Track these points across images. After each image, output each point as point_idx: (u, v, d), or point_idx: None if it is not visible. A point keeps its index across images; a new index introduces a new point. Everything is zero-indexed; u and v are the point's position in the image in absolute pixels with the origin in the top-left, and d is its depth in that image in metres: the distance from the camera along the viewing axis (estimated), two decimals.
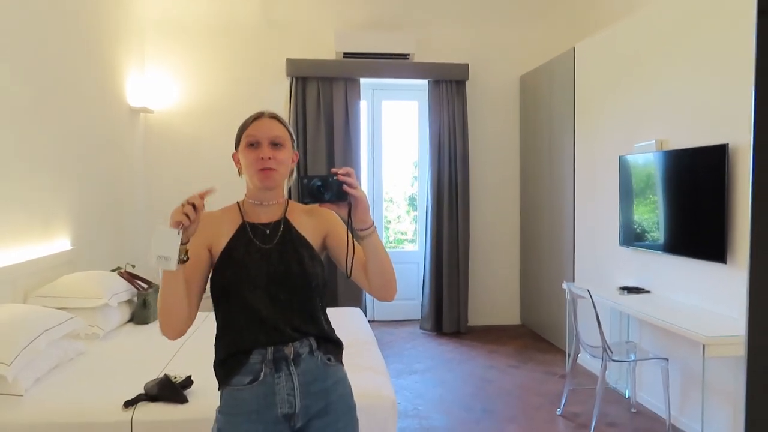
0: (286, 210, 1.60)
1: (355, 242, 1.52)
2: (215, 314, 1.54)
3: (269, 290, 1.48)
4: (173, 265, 1.35)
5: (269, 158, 1.49)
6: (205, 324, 3.41)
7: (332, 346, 1.57)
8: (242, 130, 1.55)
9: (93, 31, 4.14)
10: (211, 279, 1.53)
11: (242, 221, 1.56)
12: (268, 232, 1.54)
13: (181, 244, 1.36)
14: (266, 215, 1.57)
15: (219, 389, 1.51)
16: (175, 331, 1.47)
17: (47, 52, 3.47)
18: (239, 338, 1.48)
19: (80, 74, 3.92)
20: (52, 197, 3.54)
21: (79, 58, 3.91)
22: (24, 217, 3.20)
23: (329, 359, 1.54)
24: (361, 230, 1.45)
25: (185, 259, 1.40)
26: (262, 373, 1.45)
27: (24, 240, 3.18)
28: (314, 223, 1.59)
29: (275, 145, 1.52)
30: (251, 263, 1.49)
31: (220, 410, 1.49)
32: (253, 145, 1.51)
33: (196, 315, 1.51)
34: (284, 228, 1.56)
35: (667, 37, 3.45)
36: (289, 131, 1.58)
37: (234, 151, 1.59)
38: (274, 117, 1.56)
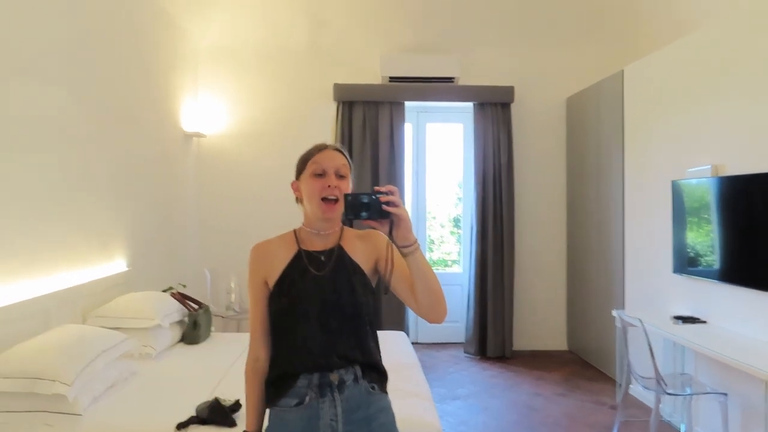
0: (341, 237, 1.64)
1: (401, 260, 1.54)
2: (273, 337, 1.60)
3: (321, 318, 1.53)
4: None
5: (335, 187, 1.55)
6: None
7: (377, 375, 1.60)
8: (306, 159, 1.61)
9: (150, 59, 4.34)
10: (268, 303, 1.59)
11: (298, 249, 1.61)
12: (323, 258, 1.59)
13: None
14: (322, 243, 1.62)
15: (267, 407, 1.58)
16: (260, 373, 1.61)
17: (107, 80, 3.64)
18: (288, 362, 1.54)
19: (137, 100, 4.10)
20: (110, 220, 3.69)
21: (137, 85, 4.09)
22: (84, 240, 3.35)
23: (373, 387, 1.56)
24: (404, 247, 1.46)
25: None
26: (307, 397, 1.50)
27: (84, 262, 3.32)
28: (367, 249, 1.64)
29: (340, 176, 1.57)
30: (306, 291, 1.54)
31: (267, 430, 1.55)
32: (320, 174, 1.56)
33: (271, 343, 1.62)
34: (338, 255, 1.60)
35: (720, 59, 3.36)
36: (350, 164, 1.63)
37: (293, 180, 1.65)
38: (339, 149, 1.62)
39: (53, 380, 2.25)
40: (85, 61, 3.37)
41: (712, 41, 3.46)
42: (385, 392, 1.62)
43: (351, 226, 1.68)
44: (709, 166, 3.41)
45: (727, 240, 3.27)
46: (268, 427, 1.56)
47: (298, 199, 1.65)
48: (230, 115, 5.47)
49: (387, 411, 1.58)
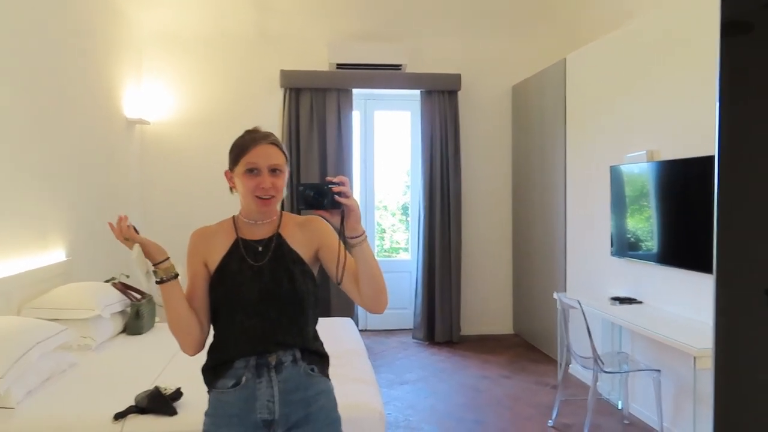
0: (279, 225, 1.63)
1: (347, 252, 1.55)
2: (212, 325, 1.60)
3: (259, 307, 1.53)
4: (150, 276, 1.52)
5: (270, 187, 1.53)
6: None
7: (317, 357, 1.60)
8: (240, 152, 1.56)
9: (90, 44, 4.17)
10: (208, 294, 1.58)
11: (236, 237, 1.60)
12: (260, 248, 1.58)
13: (159, 263, 1.51)
14: (260, 232, 1.61)
15: (208, 392, 1.57)
16: (191, 346, 1.56)
17: (44, 65, 3.49)
18: (226, 349, 1.55)
19: (77, 86, 3.94)
20: (48, 209, 3.55)
21: (76, 71, 3.94)
22: (20, 229, 3.21)
23: (312, 369, 1.57)
24: (353, 238, 1.48)
25: (173, 275, 1.51)
26: (244, 378, 1.51)
27: (19, 252, 3.19)
28: (307, 237, 1.62)
29: (274, 171, 1.55)
30: (243, 281, 1.54)
31: (207, 412, 1.56)
32: (253, 171, 1.53)
33: (209, 327, 1.59)
34: (276, 244, 1.59)
35: (657, 50, 3.50)
36: (285, 156, 1.60)
37: (227, 168, 1.61)
38: (274, 143, 1.57)
39: None
40: (19, 46, 3.22)
41: (649, 31, 3.59)
42: (326, 376, 1.63)
43: (299, 214, 1.67)
44: (645, 152, 3.56)
45: (662, 223, 3.43)
46: (207, 410, 1.56)
47: (232, 189, 1.63)
48: (175, 101, 5.32)
49: (327, 394, 1.59)
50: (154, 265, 1.51)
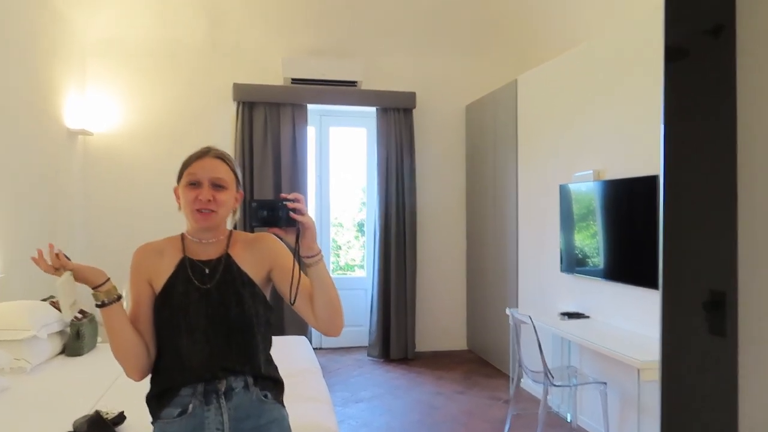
0: (228, 245, 1.56)
1: (302, 273, 1.50)
2: (154, 348, 1.51)
3: (207, 332, 1.45)
4: (76, 306, 1.43)
5: (208, 200, 1.47)
6: None
7: (271, 383, 1.53)
8: (184, 166, 1.52)
9: (28, 49, 4.00)
10: (152, 316, 1.49)
11: (183, 256, 1.52)
12: (207, 270, 1.50)
13: (99, 286, 1.41)
14: (207, 252, 1.54)
15: (152, 422, 1.48)
16: (137, 370, 1.46)
17: None
18: (172, 376, 1.46)
19: (12, 93, 3.76)
20: None
21: (12, 77, 3.76)
22: None
23: (266, 395, 1.49)
24: (308, 257, 1.43)
25: (116, 297, 1.42)
26: (191, 405, 1.42)
27: None
28: (257, 257, 1.55)
29: (217, 186, 1.49)
30: (190, 304, 1.46)
31: None
32: (194, 184, 1.48)
33: (156, 350, 1.49)
34: (225, 265, 1.52)
35: (604, 73, 3.63)
36: (234, 172, 1.54)
37: (176, 185, 1.55)
38: (220, 157, 1.52)
39: None
40: None
41: (596, 55, 3.72)
42: (281, 403, 1.55)
43: (253, 232, 1.62)
44: (591, 171, 3.66)
45: (608, 240, 3.52)
46: None
47: (180, 207, 1.56)
48: (122, 112, 5.16)
49: (280, 422, 1.52)
50: (94, 288, 1.41)
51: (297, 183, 5.29)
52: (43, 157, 4.22)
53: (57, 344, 3.31)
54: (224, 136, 5.25)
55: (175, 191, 1.56)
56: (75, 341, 3.36)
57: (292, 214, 1.39)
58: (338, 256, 6.11)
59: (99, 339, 3.63)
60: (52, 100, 4.38)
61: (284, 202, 1.39)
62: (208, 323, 1.45)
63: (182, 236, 1.57)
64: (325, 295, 1.46)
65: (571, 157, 3.96)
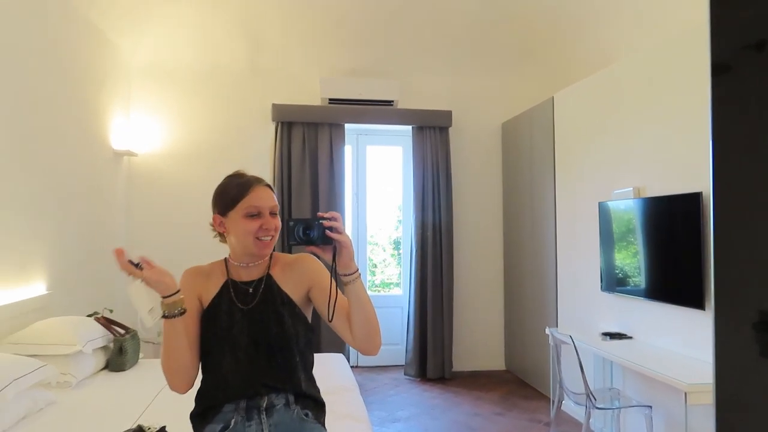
0: (269, 266, 1.60)
1: (339, 290, 1.52)
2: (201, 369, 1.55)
3: (248, 351, 1.49)
4: (157, 312, 1.42)
5: (273, 228, 1.54)
6: None
7: (312, 403, 1.55)
8: (237, 197, 1.54)
9: (78, 74, 4.18)
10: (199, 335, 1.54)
11: (227, 279, 1.57)
12: (250, 290, 1.55)
13: (171, 294, 1.42)
14: (250, 273, 1.58)
15: None
16: (183, 383, 1.48)
17: (29, 95, 3.48)
18: (215, 394, 1.49)
19: (63, 116, 3.92)
20: (29, 241, 3.49)
21: (63, 100, 3.93)
22: None
23: (306, 414, 1.51)
24: (345, 275, 1.44)
25: (183, 310, 1.44)
26: (233, 421, 1.45)
27: None
28: (297, 278, 1.59)
29: (273, 214, 1.56)
30: (233, 324, 1.50)
31: None
32: (256, 215, 1.53)
33: (199, 363, 1.53)
34: (265, 286, 1.56)
35: (643, 88, 3.56)
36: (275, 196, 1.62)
37: (214, 214, 1.61)
38: (268, 186, 1.59)
39: None
40: (5, 76, 3.21)
41: (633, 71, 3.66)
42: (322, 424, 1.56)
43: (291, 251, 1.66)
44: (632, 188, 3.58)
45: (650, 259, 3.42)
46: None
47: (222, 234, 1.60)
48: (165, 134, 5.32)
49: None
50: (163, 298, 1.43)
51: (334, 202, 5.33)
52: (90, 177, 4.38)
53: (101, 359, 3.39)
54: (263, 156, 5.35)
55: (216, 220, 1.60)
56: (118, 357, 3.43)
57: (328, 232, 1.41)
58: (374, 274, 6.11)
59: (141, 355, 3.71)
60: (99, 123, 4.55)
61: (321, 221, 1.41)
62: (250, 342, 1.49)
63: (225, 260, 1.62)
64: (362, 313, 1.46)
65: (609, 175, 3.88)
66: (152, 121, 5.29)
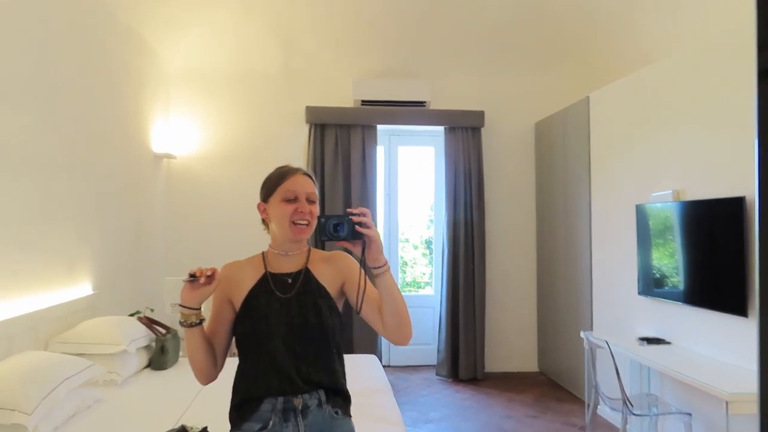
0: (308, 259, 1.66)
1: (369, 282, 1.58)
2: (239, 359, 1.61)
3: (286, 340, 1.54)
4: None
5: (307, 212, 1.59)
6: (223, 372, 3.42)
7: (341, 399, 1.61)
8: (277, 182, 1.62)
9: (120, 81, 4.30)
10: (233, 326, 1.60)
11: (265, 271, 1.63)
12: (290, 281, 1.61)
13: (193, 308, 1.49)
14: (288, 265, 1.64)
15: None
16: (205, 379, 1.59)
17: (74, 102, 3.60)
18: (254, 385, 1.54)
19: (106, 122, 4.05)
20: (76, 242, 3.62)
21: (106, 106, 4.05)
22: (47, 263, 3.27)
23: (336, 412, 1.58)
24: (375, 268, 1.50)
25: (199, 322, 1.51)
26: (271, 422, 1.51)
27: (47, 286, 3.24)
28: (333, 271, 1.65)
29: (310, 201, 1.61)
30: (271, 314, 1.55)
31: None
32: (292, 199, 1.59)
33: (223, 363, 1.62)
34: (305, 277, 1.62)
35: (683, 90, 3.50)
36: (317, 188, 1.66)
37: (259, 201, 1.66)
38: (308, 175, 1.65)
39: (13, 410, 2.18)
40: (53, 83, 3.33)
41: (674, 72, 3.60)
42: (349, 416, 1.63)
43: (323, 247, 1.71)
44: (671, 191, 3.52)
45: (690, 263, 3.37)
46: None
47: (264, 221, 1.68)
48: (201, 136, 5.44)
49: None
50: (180, 306, 1.52)
51: (366, 201, 5.37)
52: (131, 179, 4.51)
53: (143, 358, 3.50)
54: (297, 157, 5.43)
55: (260, 207, 1.66)
56: (160, 356, 3.54)
57: (358, 227, 1.46)
58: (404, 273, 6.14)
59: (181, 353, 3.81)
60: (140, 127, 4.68)
61: (351, 217, 1.47)
62: (288, 331, 1.54)
63: (263, 254, 1.68)
64: (392, 303, 1.52)
65: (647, 177, 3.82)
66: (190, 124, 5.42)
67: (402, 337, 1.56)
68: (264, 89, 5.52)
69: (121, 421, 2.57)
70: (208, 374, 1.59)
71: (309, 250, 1.68)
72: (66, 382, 2.49)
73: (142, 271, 4.72)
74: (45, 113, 3.25)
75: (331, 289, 1.63)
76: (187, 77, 5.42)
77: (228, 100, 5.48)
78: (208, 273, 1.48)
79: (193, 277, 1.47)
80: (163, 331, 3.71)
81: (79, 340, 3.12)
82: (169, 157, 5.20)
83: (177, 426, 2.32)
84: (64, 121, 3.46)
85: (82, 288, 3.65)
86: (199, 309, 1.53)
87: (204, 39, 5.36)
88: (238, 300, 1.59)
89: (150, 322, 3.72)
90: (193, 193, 5.40)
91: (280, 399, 1.52)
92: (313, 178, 1.67)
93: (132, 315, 3.81)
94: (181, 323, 1.53)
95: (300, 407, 1.52)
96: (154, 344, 3.57)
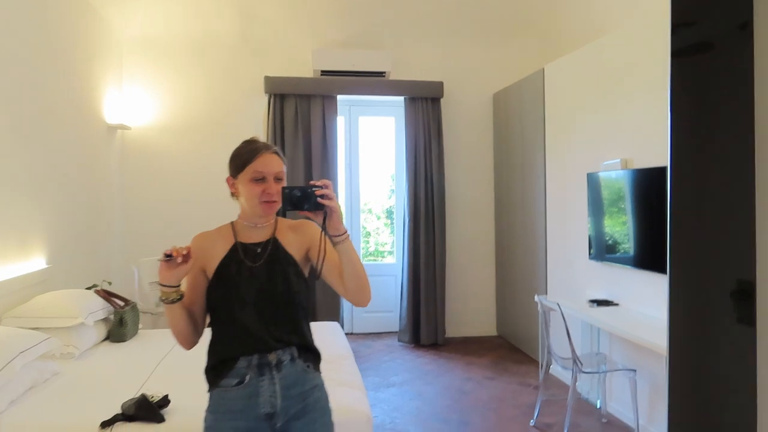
0: (275, 229, 1.74)
1: (331, 249, 1.66)
2: (211, 325, 1.69)
3: (257, 306, 1.63)
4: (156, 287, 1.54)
5: (275, 192, 1.65)
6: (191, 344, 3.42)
7: (312, 355, 1.72)
8: (246, 161, 1.67)
9: (69, 47, 4.16)
10: (206, 294, 1.67)
11: (235, 241, 1.70)
12: (258, 250, 1.69)
13: (169, 286, 1.55)
14: (257, 235, 1.72)
15: (208, 391, 1.66)
16: (189, 345, 1.68)
17: (21, 71, 3.48)
18: (228, 347, 1.64)
19: (56, 90, 3.93)
20: (28, 216, 3.53)
21: (55, 75, 3.92)
22: None
23: (308, 366, 1.68)
24: (336, 236, 1.60)
25: (179, 298, 1.59)
26: (247, 377, 1.61)
27: None
28: (299, 239, 1.74)
29: (277, 179, 1.67)
30: (242, 282, 1.64)
31: (209, 409, 1.65)
32: (260, 180, 1.65)
33: (204, 326, 1.71)
34: (273, 247, 1.70)
35: (632, 61, 3.59)
36: (285, 163, 1.73)
37: (228, 176, 1.72)
38: (276, 153, 1.70)
39: None
40: None
41: (623, 44, 3.68)
42: (319, 371, 1.74)
43: (285, 216, 1.76)
44: (619, 160, 3.64)
45: (638, 228, 3.51)
46: (209, 407, 1.65)
47: (233, 194, 1.74)
48: (157, 107, 5.32)
49: (320, 388, 1.72)
50: (160, 285, 1.58)
51: (327, 171, 5.38)
52: (84, 151, 4.40)
53: (102, 331, 3.48)
54: (256, 128, 5.37)
55: (229, 181, 1.73)
56: (118, 328, 3.52)
57: (320, 199, 1.54)
58: (368, 243, 6.20)
59: (140, 326, 3.80)
60: (92, 97, 4.55)
61: (313, 189, 1.55)
62: (258, 297, 1.63)
63: (232, 224, 1.75)
64: (351, 268, 1.63)
65: (598, 146, 3.94)
66: (145, 94, 5.28)
67: (362, 298, 1.68)
68: (222, 58, 5.41)
69: (81, 393, 2.57)
70: (191, 341, 1.67)
71: (276, 221, 1.76)
72: (21, 355, 2.47)
73: (99, 245, 4.64)
74: None
75: (298, 256, 1.72)
76: (142, 45, 5.26)
77: (184, 69, 5.35)
78: (184, 252, 1.53)
79: (169, 257, 1.53)
80: (122, 303, 3.69)
81: (33, 314, 3.09)
82: (124, 128, 5.07)
83: (138, 395, 2.35)
84: (10, 92, 3.34)
85: (35, 262, 3.58)
86: (178, 286, 1.59)
87: (157, 5, 5.20)
88: (211, 269, 1.66)
89: (108, 295, 3.68)
90: (149, 165, 5.30)
91: (255, 356, 1.61)
92: (281, 155, 1.72)
93: (89, 288, 3.77)
94: (161, 300, 1.58)
95: (274, 362, 1.62)
96: (112, 317, 3.55)
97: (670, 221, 0.86)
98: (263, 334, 1.62)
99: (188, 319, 1.64)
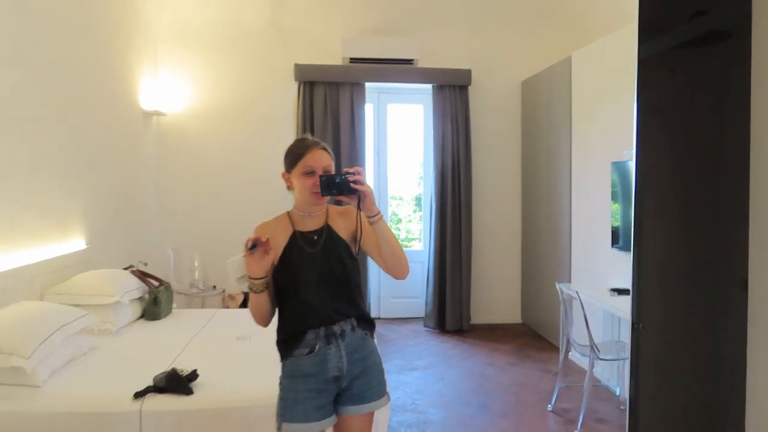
0: (327, 217, 1.95)
1: (368, 227, 1.85)
2: (279, 303, 1.91)
3: (319, 286, 1.85)
4: (243, 281, 1.89)
5: None
6: (211, 323, 3.58)
7: (368, 324, 1.94)
8: (297, 157, 1.88)
9: (107, 37, 4.33)
10: (272, 277, 1.88)
11: (293, 230, 1.91)
12: (315, 237, 1.90)
13: (259, 278, 1.78)
14: (312, 223, 1.93)
15: (281, 360, 1.90)
16: (268, 322, 1.91)
17: (61, 58, 3.64)
18: (298, 323, 1.86)
19: (94, 79, 4.10)
20: (68, 199, 3.72)
21: (94, 63, 4.09)
22: (40, 220, 3.39)
23: (366, 334, 1.91)
24: (370, 217, 1.79)
25: (266, 287, 1.81)
26: (317, 346, 1.83)
27: (41, 241, 3.37)
28: (346, 224, 1.95)
29: (326, 173, 1.86)
30: (303, 267, 1.86)
31: (284, 375, 1.89)
32: (311, 173, 1.84)
33: (275, 307, 1.92)
34: (327, 233, 1.92)
35: None
36: (332, 157, 1.92)
37: (283, 171, 1.92)
38: (324, 148, 1.90)
39: (11, 353, 2.33)
40: (37, 40, 3.37)
41: None
42: (374, 338, 1.97)
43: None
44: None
45: None
46: (284, 372, 1.88)
47: (289, 188, 1.94)
48: (191, 94, 5.47)
49: (376, 353, 1.97)
50: (250, 278, 1.79)
51: (355, 159, 5.46)
52: (121, 137, 4.59)
53: (137, 309, 3.65)
54: (286, 115, 5.49)
55: (284, 176, 1.93)
56: (153, 307, 3.69)
57: (352, 184, 1.73)
58: (398, 230, 6.27)
59: (174, 305, 3.97)
60: (128, 85, 4.72)
61: (346, 176, 1.73)
62: (319, 279, 1.85)
63: (288, 214, 1.96)
64: (388, 245, 1.84)
65: (622, 134, 3.90)
66: (179, 81, 5.44)
67: (400, 272, 1.89)
68: (253, 47, 5.53)
69: (116, 366, 2.73)
70: (270, 319, 1.90)
71: (327, 209, 1.97)
72: (62, 329, 2.64)
73: (135, 227, 4.84)
74: (30, 71, 3.30)
75: (347, 238, 1.93)
76: (176, 34, 5.41)
77: (217, 57, 5.49)
78: (264, 240, 1.73)
79: (253, 247, 1.71)
80: (156, 283, 3.85)
81: (73, 291, 3.27)
82: (159, 114, 5.25)
83: (169, 369, 2.48)
84: (51, 79, 3.51)
85: (75, 243, 3.78)
86: (265, 277, 1.80)
87: None
88: (276, 256, 1.86)
89: (143, 275, 3.86)
90: (184, 150, 5.47)
91: (322, 329, 1.84)
92: (329, 150, 1.91)
93: (126, 269, 3.95)
94: (251, 290, 1.81)
95: (339, 332, 1.85)
96: (147, 296, 3.72)
97: (635, 201, 0.92)
98: (326, 310, 1.84)
99: (269, 302, 1.85)
